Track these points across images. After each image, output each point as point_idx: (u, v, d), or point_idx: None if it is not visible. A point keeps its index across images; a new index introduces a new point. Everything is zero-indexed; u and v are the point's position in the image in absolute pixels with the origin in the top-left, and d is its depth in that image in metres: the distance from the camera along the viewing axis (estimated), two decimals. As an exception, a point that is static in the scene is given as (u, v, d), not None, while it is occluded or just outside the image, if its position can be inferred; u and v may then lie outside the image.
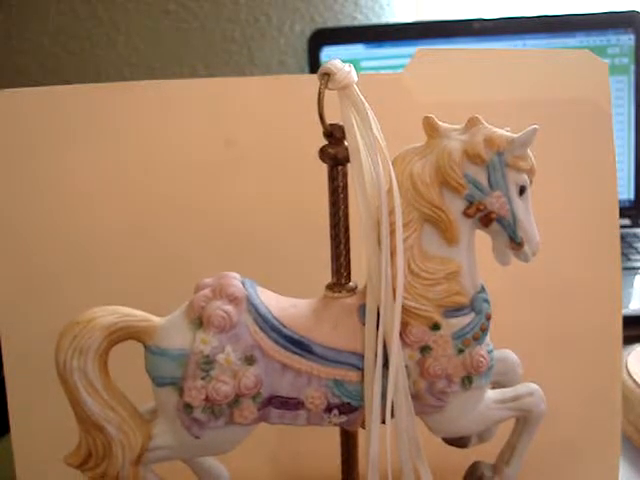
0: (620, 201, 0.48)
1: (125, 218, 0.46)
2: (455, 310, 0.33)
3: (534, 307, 0.46)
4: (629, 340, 0.54)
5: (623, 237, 0.91)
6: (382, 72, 0.97)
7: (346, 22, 1.09)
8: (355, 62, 1.00)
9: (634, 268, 0.83)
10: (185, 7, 1.07)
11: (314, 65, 1.00)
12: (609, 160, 0.46)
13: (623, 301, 0.47)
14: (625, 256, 0.86)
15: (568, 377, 0.46)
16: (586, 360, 0.46)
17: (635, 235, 0.95)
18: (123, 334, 0.33)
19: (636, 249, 0.90)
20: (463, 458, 0.38)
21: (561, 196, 0.45)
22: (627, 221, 0.97)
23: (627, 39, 0.95)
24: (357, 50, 1.00)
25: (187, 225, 0.46)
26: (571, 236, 0.46)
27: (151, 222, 0.46)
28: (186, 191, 0.46)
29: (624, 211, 0.96)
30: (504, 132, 0.33)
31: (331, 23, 1.09)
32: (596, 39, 0.96)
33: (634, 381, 0.53)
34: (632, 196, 0.97)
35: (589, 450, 0.46)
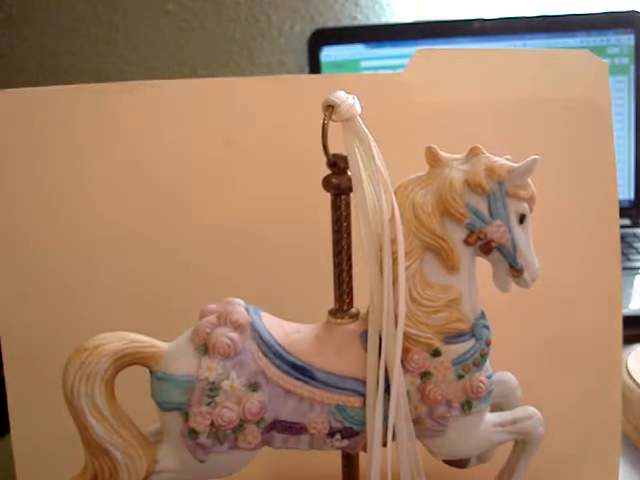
0: (620, 201, 0.47)
1: (125, 218, 0.46)
2: (455, 336, 0.34)
3: (534, 306, 0.46)
4: (629, 340, 0.54)
5: (623, 237, 0.91)
6: (382, 72, 0.97)
7: (346, 22, 1.09)
8: (355, 62, 1.00)
9: (634, 268, 0.83)
10: (185, 7, 1.07)
11: (314, 65, 1.00)
12: (609, 160, 0.46)
13: (623, 301, 0.47)
14: (625, 256, 0.86)
15: (568, 377, 0.46)
16: (586, 360, 0.46)
17: (635, 235, 0.95)
18: (129, 360, 0.33)
19: (636, 249, 0.90)
20: (463, 478, 0.39)
21: (561, 196, 0.45)
22: (627, 221, 0.97)
23: (627, 39, 0.95)
24: (357, 50, 1.00)
25: (187, 225, 0.46)
26: (571, 236, 0.46)
27: (151, 222, 0.46)
28: (186, 191, 0.46)
29: (624, 211, 0.96)
30: (505, 161, 0.33)
31: (331, 23, 1.09)
32: (596, 39, 0.96)
33: (634, 381, 0.53)
34: (632, 196, 0.97)
35: (589, 450, 0.46)
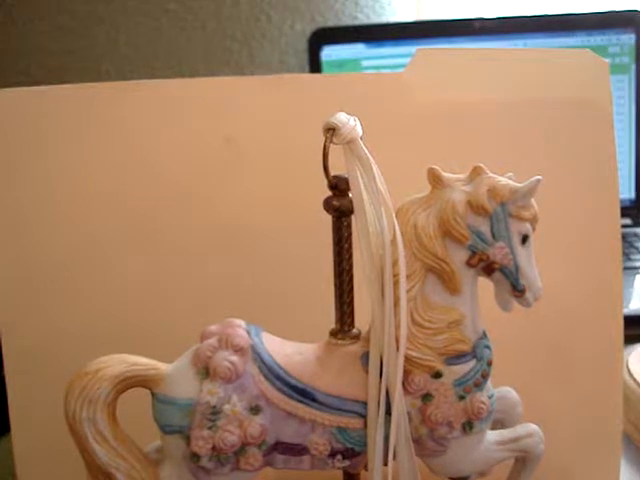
0: (621, 200, 0.47)
1: (124, 218, 0.46)
2: (457, 357, 0.33)
3: (534, 307, 0.46)
4: (629, 340, 0.54)
5: (624, 237, 0.90)
6: (383, 71, 0.97)
7: (347, 21, 1.09)
8: (356, 61, 1.00)
9: (634, 268, 0.83)
10: (185, 6, 1.07)
11: (315, 64, 1.00)
12: (610, 160, 0.46)
13: (623, 301, 0.46)
14: (626, 256, 0.86)
15: (569, 377, 0.46)
16: (587, 360, 0.46)
17: (636, 235, 0.95)
18: (131, 383, 0.33)
19: (637, 249, 0.90)
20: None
21: (562, 196, 0.45)
22: (628, 221, 0.97)
23: (628, 38, 0.95)
24: (358, 49, 0.99)
25: (186, 225, 0.46)
26: (571, 236, 0.46)
27: (150, 222, 0.46)
28: (185, 191, 0.46)
29: (625, 210, 0.95)
30: (507, 181, 0.33)
31: (332, 22, 1.09)
32: (597, 38, 0.96)
33: (635, 381, 0.53)
34: (633, 195, 0.97)
35: (590, 449, 0.46)
